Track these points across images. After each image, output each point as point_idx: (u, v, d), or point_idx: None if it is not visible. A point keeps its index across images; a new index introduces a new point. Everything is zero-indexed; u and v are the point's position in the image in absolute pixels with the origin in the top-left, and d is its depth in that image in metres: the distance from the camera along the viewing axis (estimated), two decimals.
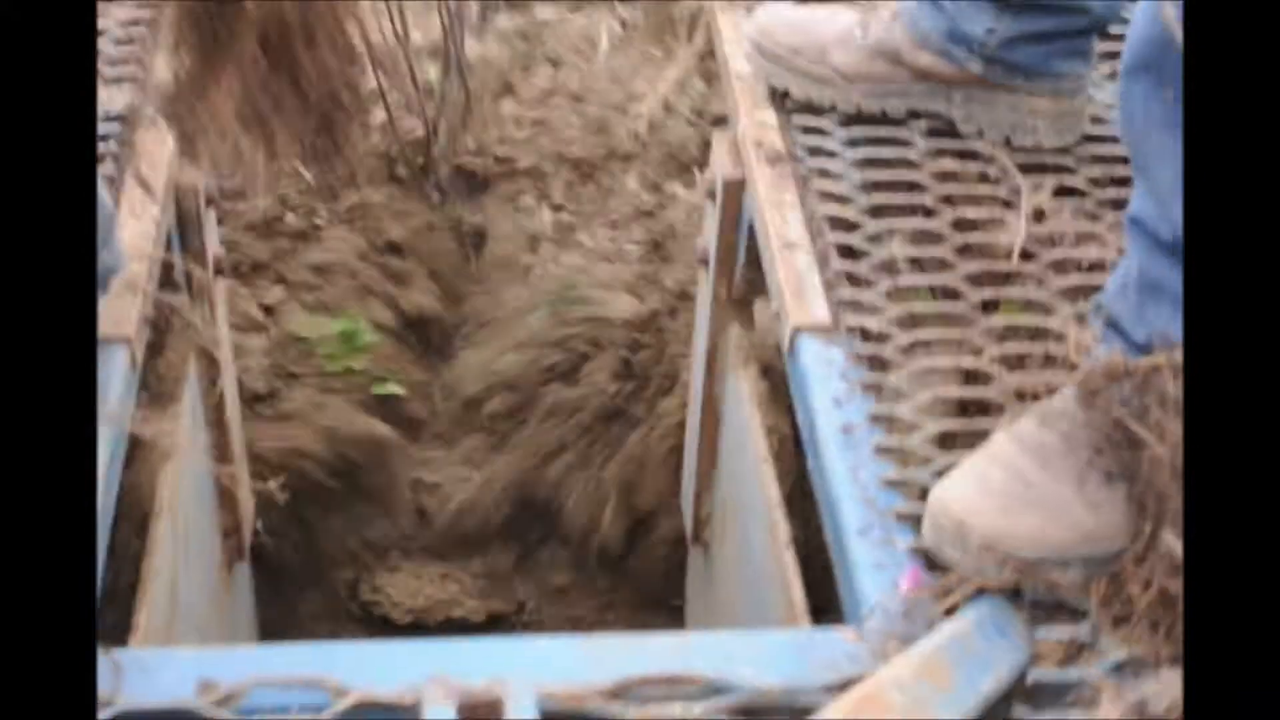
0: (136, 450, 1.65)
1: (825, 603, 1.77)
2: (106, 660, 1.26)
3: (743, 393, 2.02)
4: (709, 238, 2.14)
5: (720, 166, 2.05)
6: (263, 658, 1.29)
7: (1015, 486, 1.31)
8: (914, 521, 1.45)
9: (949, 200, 1.84)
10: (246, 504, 2.18)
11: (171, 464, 1.76)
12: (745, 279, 2.08)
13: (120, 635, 1.59)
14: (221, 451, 2.06)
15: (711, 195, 2.10)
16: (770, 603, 1.84)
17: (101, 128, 1.81)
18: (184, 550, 1.85)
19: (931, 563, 1.40)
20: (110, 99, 1.87)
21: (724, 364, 2.17)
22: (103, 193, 1.56)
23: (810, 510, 1.98)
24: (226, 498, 2.11)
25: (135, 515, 1.70)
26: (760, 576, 1.91)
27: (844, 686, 1.30)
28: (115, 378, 1.56)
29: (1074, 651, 1.32)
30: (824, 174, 1.89)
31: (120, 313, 1.62)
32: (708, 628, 2.27)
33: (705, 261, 2.17)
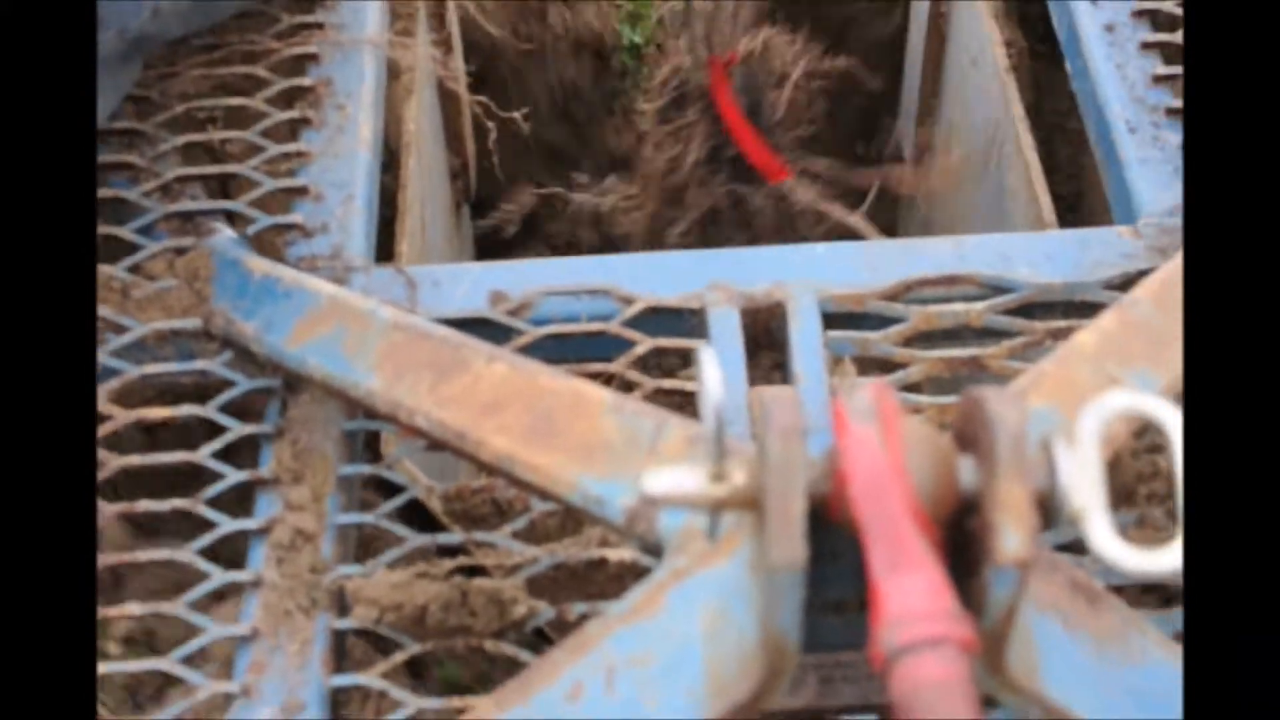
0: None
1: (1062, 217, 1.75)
2: (400, 276, 1.30)
3: (977, 9, 1.95)
4: None
5: None
6: (548, 270, 1.31)
7: None
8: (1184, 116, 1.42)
9: None
10: (470, 147, 2.18)
11: (415, 98, 1.75)
12: None
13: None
14: (447, 92, 2.04)
15: None
16: (1013, 217, 1.81)
17: None
18: (428, 186, 1.87)
19: None
20: None
21: None
22: None
23: (1045, 128, 1.94)
24: (454, 139, 2.10)
25: (385, 149, 1.70)
26: (999, 194, 1.88)
27: (1124, 283, 1.29)
28: (369, 6, 1.56)
29: None
30: None
31: None
32: None
33: None
